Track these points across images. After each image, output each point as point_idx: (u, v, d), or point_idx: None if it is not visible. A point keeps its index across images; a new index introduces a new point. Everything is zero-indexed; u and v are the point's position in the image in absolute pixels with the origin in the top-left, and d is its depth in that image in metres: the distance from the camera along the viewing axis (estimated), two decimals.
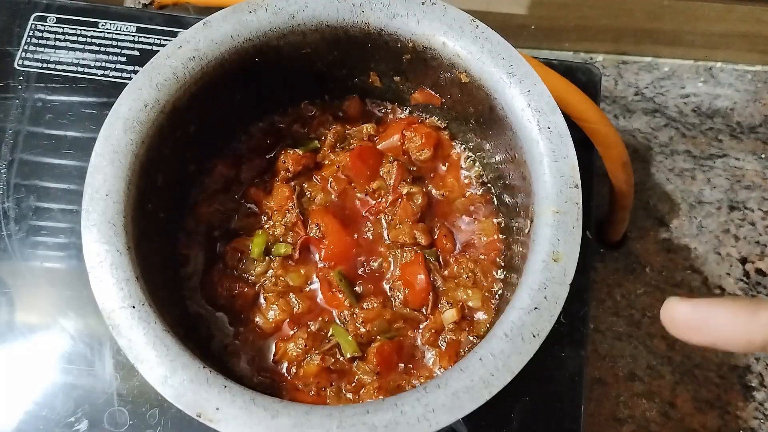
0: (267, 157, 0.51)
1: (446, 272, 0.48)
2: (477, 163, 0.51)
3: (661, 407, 0.62)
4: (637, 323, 0.64)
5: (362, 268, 0.48)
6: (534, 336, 0.36)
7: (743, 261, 0.66)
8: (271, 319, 0.46)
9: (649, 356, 0.63)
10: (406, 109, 0.53)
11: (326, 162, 0.50)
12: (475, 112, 0.46)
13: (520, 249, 0.42)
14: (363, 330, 0.45)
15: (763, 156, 0.70)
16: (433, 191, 0.50)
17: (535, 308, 0.37)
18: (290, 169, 0.49)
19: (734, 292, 0.65)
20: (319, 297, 0.47)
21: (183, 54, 0.42)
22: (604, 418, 0.61)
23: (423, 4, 0.43)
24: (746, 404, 0.62)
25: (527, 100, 0.41)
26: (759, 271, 0.66)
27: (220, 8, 0.43)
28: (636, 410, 0.61)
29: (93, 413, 0.47)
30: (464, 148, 0.51)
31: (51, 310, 0.49)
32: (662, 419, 0.61)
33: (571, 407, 0.48)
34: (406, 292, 0.47)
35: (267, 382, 0.45)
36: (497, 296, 0.47)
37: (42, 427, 0.47)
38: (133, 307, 0.37)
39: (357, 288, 0.47)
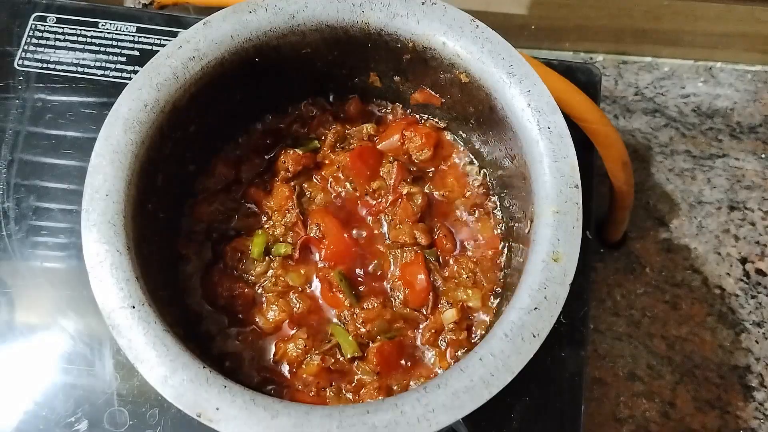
0: (267, 157, 0.51)
1: (446, 272, 0.48)
2: (477, 163, 0.51)
3: (661, 407, 0.62)
4: (637, 323, 0.64)
5: (362, 268, 0.48)
6: (534, 336, 0.36)
7: (743, 261, 0.66)
8: (271, 319, 0.46)
9: (649, 356, 0.63)
10: (406, 109, 0.53)
11: (326, 162, 0.50)
12: (475, 112, 0.46)
13: (521, 249, 0.42)
14: (363, 330, 0.45)
15: (763, 156, 0.70)
16: (433, 191, 0.50)
17: (535, 308, 0.37)
18: (290, 169, 0.49)
19: (734, 292, 0.65)
20: (320, 297, 0.47)
21: (183, 54, 0.42)
22: (604, 418, 0.61)
23: (423, 4, 0.43)
24: (746, 404, 0.62)
25: (527, 100, 0.41)
26: (759, 271, 0.66)
27: (220, 8, 0.43)
28: (636, 410, 0.61)
29: (93, 413, 0.47)
30: (464, 148, 0.51)
31: (51, 310, 0.49)
32: (662, 419, 0.61)
33: (571, 407, 0.48)
34: (406, 292, 0.47)
35: (267, 382, 0.45)
36: (497, 296, 0.47)
37: (42, 427, 0.47)
38: (133, 307, 0.37)
39: (357, 288, 0.47)
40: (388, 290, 0.47)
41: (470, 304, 0.47)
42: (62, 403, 0.47)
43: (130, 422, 0.46)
